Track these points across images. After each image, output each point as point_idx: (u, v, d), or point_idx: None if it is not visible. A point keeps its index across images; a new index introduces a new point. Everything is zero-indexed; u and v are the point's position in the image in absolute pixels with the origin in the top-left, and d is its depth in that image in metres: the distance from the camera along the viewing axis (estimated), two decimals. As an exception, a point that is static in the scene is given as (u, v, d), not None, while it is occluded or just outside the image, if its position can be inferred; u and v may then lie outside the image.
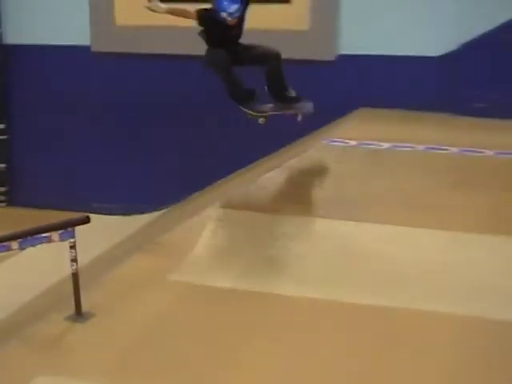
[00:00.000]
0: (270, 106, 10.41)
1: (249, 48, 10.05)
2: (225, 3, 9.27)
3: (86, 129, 14.38)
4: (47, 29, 14.49)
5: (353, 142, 9.90)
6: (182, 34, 13.76)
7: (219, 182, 11.36)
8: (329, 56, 13.14)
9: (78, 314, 7.43)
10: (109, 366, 6.61)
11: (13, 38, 14.89)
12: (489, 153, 10.40)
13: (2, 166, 15.22)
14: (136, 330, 7.22)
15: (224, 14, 9.30)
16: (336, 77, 12.77)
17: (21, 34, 14.76)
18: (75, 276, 7.45)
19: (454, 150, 10.50)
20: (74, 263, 7.43)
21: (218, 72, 10.04)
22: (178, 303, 7.72)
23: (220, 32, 9.67)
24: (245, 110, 10.34)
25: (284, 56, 13.11)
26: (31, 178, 14.75)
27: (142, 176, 13.85)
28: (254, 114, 10.31)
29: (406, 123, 11.31)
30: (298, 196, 9.64)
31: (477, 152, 10.43)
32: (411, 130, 10.84)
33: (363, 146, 10.54)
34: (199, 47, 13.59)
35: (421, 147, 10.36)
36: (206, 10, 9.78)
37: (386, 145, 10.19)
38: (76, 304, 7.45)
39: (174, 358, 6.75)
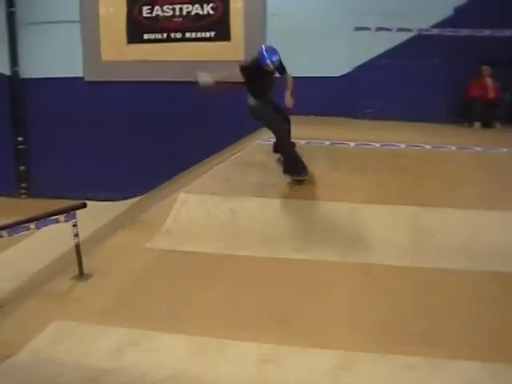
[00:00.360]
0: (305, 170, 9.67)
1: (275, 105, 9.62)
2: (268, 54, 9.05)
3: (82, 139, 14.33)
4: (51, 65, 14.40)
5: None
6: (152, 66, 13.80)
7: (182, 173, 11.41)
8: (259, 78, 13.22)
9: (81, 275, 7.55)
10: (104, 311, 6.74)
11: (27, 73, 14.79)
12: (376, 145, 10.52)
13: (23, 167, 15.12)
14: (124, 284, 7.34)
15: (268, 61, 9.04)
16: (265, 93, 12.84)
17: (32, 70, 14.66)
18: (77, 247, 7.56)
19: (352, 144, 10.60)
20: (76, 237, 7.55)
21: (285, 142, 9.61)
22: (153, 264, 7.84)
23: (259, 79, 9.25)
24: (293, 177, 9.60)
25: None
26: (43, 177, 14.69)
27: (124, 172, 13.84)
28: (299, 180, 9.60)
29: (317, 125, 11.49)
30: (240, 182, 9.70)
31: (367, 145, 10.55)
32: (320, 130, 11.01)
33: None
34: (167, 75, 13.69)
35: (327, 142, 10.47)
36: (246, 64, 9.42)
37: (302, 141, 10.27)
38: (79, 267, 7.57)
39: (153, 303, 6.88)
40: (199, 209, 9.11)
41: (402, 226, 8.54)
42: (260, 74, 9.24)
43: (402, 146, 10.46)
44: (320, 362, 5.85)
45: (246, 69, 9.19)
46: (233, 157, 10.50)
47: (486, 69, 12.83)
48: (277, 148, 9.93)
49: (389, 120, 12.32)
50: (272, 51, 9.15)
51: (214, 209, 9.07)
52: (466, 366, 5.76)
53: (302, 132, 10.88)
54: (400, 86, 12.72)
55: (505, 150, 10.32)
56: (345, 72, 13.15)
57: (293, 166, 9.55)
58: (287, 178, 9.56)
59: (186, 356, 5.94)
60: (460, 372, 5.69)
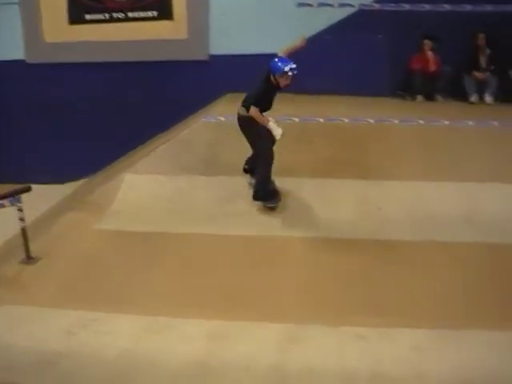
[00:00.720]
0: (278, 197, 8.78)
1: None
2: (283, 63, 8.23)
3: (26, 122, 14.06)
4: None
5: (222, 118, 9.99)
6: (96, 46, 13.62)
7: (128, 154, 11.35)
8: (203, 56, 13.13)
9: (29, 259, 7.51)
10: (55, 294, 6.73)
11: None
12: (320, 120, 10.60)
13: (-32, 154, 14.84)
14: (73, 266, 7.34)
15: (287, 68, 8.19)
16: (209, 71, 12.75)
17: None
18: (24, 231, 7.51)
19: (296, 119, 10.66)
20: (22, 221, 7.48)
21: (268, 161, 8.59)
22: (102, 245, 7.82)
23: (265, 99, 8.53)
24: (265, 204, 8.65)
25: (170, 58, 13.15)
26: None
27: (70, 154, 13.65)
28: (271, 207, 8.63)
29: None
30: (186, 161, 9.69)
31: (312, 120, 10.62)
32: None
33: (230, 120, 10.60)
34: (112, 55, 13.50)
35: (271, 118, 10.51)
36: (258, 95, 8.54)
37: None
38: (26, 251, 7.51)
39: (103, 284, 6.89)
40: (146, 189, 9.10)
41: (348, 200, 8.66)
42: (268, 94, 8.63)
43: (346, 120, 10.55)
44: (270, 335, 5.94)
45: (259, 100, 8.48)
46: (178, 135, 10.48)
47: (427, 43, 12.94)
48: (249, 168, 9.14)
49: (332, 95, 12.35)
50: (286, 60, 8.38)
51: (161, 188, 9.07)
52: (413, 334, 5.94)
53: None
54: (343, 61, 12.73)
55: (447, 122, 10.49)
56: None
57: (265, 190, 8.65)
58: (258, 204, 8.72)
59: (136, 335, 5.98)
60: (407, 340, 5.85)
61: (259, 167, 8.71)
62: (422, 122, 10.50)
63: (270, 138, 8.56)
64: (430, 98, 12.85)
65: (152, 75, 13.36)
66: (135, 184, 9.23)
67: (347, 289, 6.71)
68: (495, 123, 10.35)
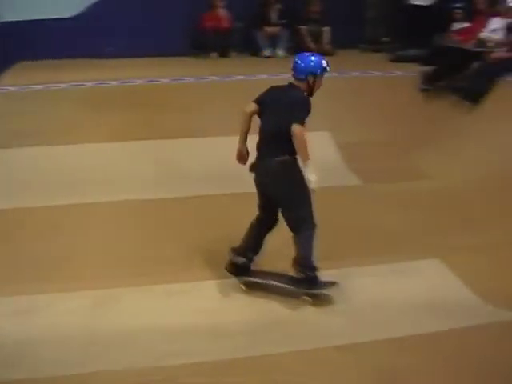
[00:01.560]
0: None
1: None
2: (314, 54, 5.94)
3: None
4: None
5: (13, 88, 9.63)
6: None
7: None
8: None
9: None
10: None
11: None
12: (114, 83, 10.50)
13: None
14: None
15: (325, 63, 5.76)
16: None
17: None
18: None
19: (90, 83, 10.51)
20: None
21: (313, 226, 5.85)
22: None
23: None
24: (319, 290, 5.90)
25: None
26: None
27: None
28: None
29: (54, 69, 11.19)
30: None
31: (106, 84, 10.51)
32: (57, 73, 10.75)
33: (22, 90, 10.28)
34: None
35: (64, 85, 10.29)
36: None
37: (39, 86, 10.01)
38: None
39: None
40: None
41: (147, 160, 8.65)
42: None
43: (141, 81, 10.54)
44: (79, 303, 5.84)
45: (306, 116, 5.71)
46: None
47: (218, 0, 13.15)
48: (248, 260, 6.16)
49: (129, 57, 12.26)
50: (312, 53, 6.10)
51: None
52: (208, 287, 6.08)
53: (39, 77, 10.64)
54: (136, 22, 12.63)
55: (241, 77, 10.74)
56: (78, 11, 12.84)
57: (313, 270, 5.89)
58: (302, 293, 5.96)
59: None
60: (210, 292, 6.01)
61: (302, 238, 5.88)
62: (216, 78, 10.69)
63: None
64: (224, 54, 13.08)
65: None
66: None
67: (151, 245, 6.74)
68: (287, 76, 10.66)
